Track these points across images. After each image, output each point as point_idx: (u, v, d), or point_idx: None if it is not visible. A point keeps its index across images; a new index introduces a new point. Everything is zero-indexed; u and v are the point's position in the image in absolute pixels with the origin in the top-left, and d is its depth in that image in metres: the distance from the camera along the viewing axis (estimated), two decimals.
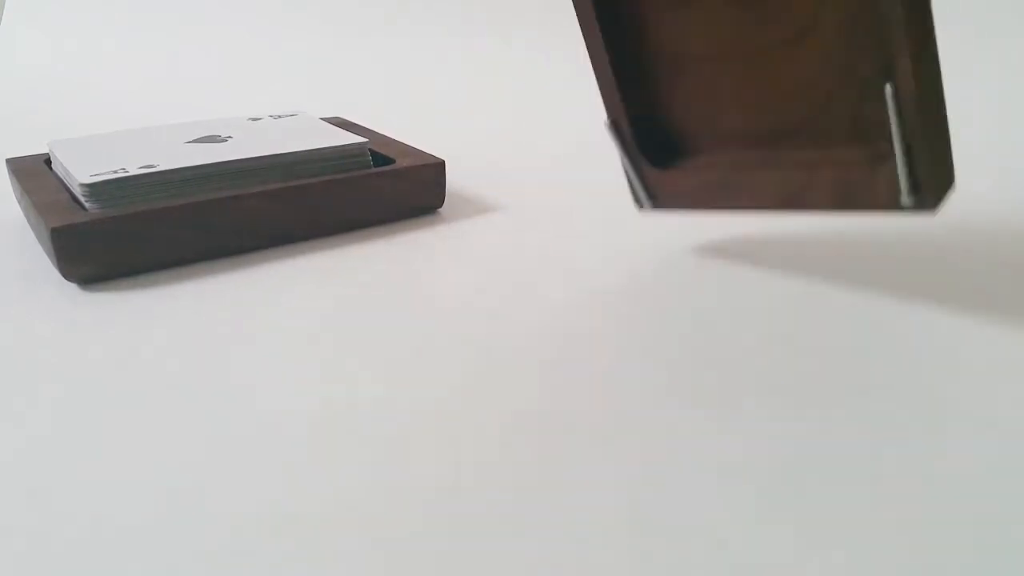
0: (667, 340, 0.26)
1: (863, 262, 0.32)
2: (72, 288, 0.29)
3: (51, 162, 0.35)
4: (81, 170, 0.31)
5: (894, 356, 0.25)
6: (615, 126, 0.32)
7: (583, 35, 0.31)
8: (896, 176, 0.26)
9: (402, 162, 0.36)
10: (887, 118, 0.25)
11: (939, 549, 0.17)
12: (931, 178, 0.25)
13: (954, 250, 0.33)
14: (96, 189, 0.30)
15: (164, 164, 0.32)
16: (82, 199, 0.30)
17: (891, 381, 0.24)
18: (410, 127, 0.44)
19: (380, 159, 0.37)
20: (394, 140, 0.39)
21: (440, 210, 0.37)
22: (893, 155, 0.26)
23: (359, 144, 0.36)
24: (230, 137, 0.36)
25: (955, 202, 0.38)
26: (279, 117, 0.40)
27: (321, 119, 0.42)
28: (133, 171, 0.31)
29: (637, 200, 0.33)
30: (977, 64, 0.51)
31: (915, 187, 0.25)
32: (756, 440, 0.21)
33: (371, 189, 0.35)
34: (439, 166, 0.36)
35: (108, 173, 0.31)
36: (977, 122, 0.49)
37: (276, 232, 0.33)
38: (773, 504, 0.18)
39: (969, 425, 0.22)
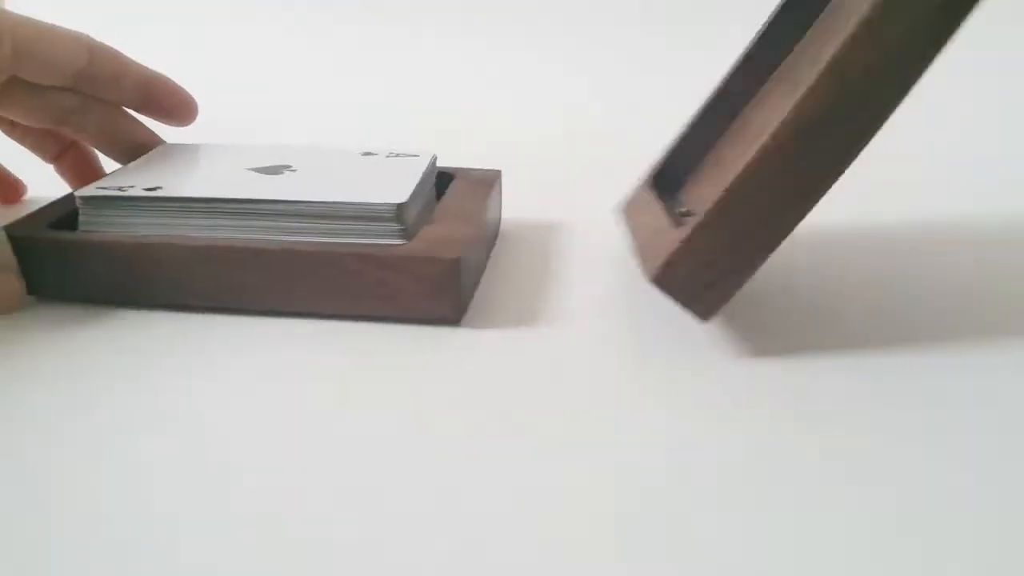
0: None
1: None
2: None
3: None
4: (108, 179, 0.30)
5: None
6: None
7: None
8: None
9: (408, 247, 0.27)
10: None
11: None
12: None
13: None
14: (87, 205, 0.28)
15: (169, 190, 0.29)
16: (80, 213, 0.29)
17: None
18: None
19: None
20: (475, 217, 0.30)
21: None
22: None
23: (381, 206, 0.28)
24: (292, 170, 0.31)
25: None
26: (395, 156, 0.34)
27: (460, 168, 0.35)
28: (136, 192, 0.29)
29: None
30: None
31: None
32: None
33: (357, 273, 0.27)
34: (453, 263, 0.26)
35: (112, 190, 0.29)
36: None
37: (242, 296, 0.28)
38: None
39: None
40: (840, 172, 0.23)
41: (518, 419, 0.22)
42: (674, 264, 0.25)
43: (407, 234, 0.28)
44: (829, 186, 0.24)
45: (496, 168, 0.36)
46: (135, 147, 0.37)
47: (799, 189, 0.23)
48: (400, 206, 0.28)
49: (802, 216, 0.24)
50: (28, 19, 0.32)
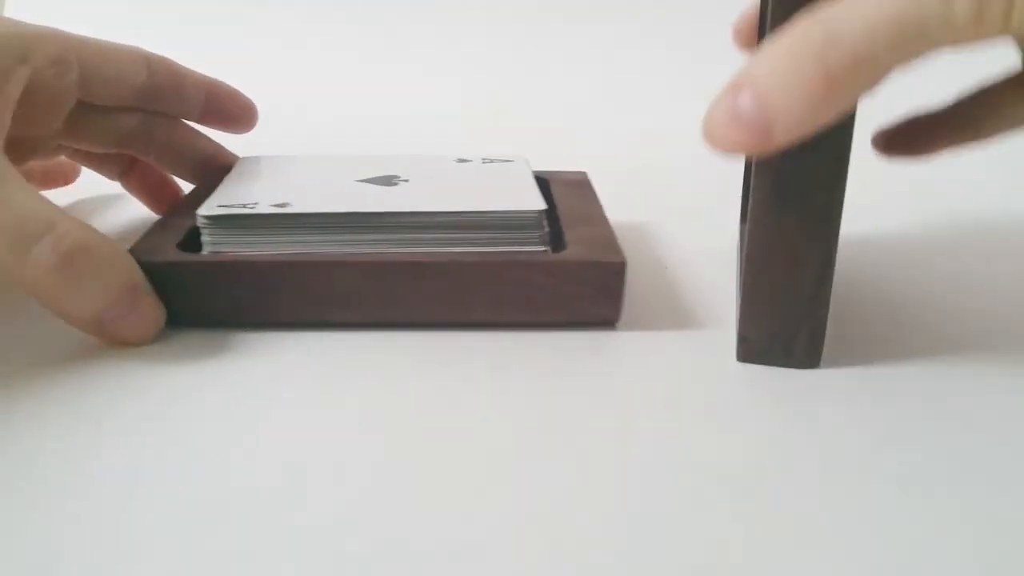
0: None
1: None
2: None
3: None
4: (220, 196, 0.29)
5: None
6: None
7: None
8: None
9: (571, 252, 0.27)
10: None
11: None
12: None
13: None
14: (213, 225, 0.27)
15: (298, 205, 0.28)
16: (202, 233, 0.27)
17: None
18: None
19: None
20: (602, 219, 0.30)
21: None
22: None
23: (526, 214, 0.28)
24: (405, 180, 0.31)
25: None
26: (489, 161, 0.34)
27: (548, 172, 0.35)
28: (264, 209, 0.27)
29: None
30: None
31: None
32: None
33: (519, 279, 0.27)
34: (620, 266, 0.27)
35: (237, 207, 0.28)
36: None
37: (400, 310, 0.27)
38: None
39: None
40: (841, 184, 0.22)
41: (732, 419, 0.22)
42: (748, 339, 0.25)
43: (545, 240, 0.28)
44: (840, 200, 0.22)
45: (581, 170, 0.36)
46: (203, 160, 0.35)
47: (805, 222, 0.23)
48: (542, 212, 0.28)
49: (830, 237, 0.23)
50: (86, 38, 0.31)
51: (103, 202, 0.39)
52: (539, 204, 0.28)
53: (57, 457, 0.20)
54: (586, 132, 0.55)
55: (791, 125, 0.19)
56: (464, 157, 0.34)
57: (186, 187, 0.37)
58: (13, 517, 0.18)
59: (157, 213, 0.37)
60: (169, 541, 0.17)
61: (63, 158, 0.37)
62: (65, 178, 0.39)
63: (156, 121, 0.34)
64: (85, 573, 0.16)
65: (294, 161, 0.34)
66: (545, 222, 0.28)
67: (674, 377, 0.24)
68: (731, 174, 0.34)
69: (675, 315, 0.28)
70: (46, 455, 0.20)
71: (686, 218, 0.38)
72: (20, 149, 0.26)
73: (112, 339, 0.25)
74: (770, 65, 0.19)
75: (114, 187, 0.38)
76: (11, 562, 0.17)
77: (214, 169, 0.35)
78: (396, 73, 0.66)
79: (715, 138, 0.19)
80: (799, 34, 0.19)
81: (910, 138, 0.28)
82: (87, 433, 0.21)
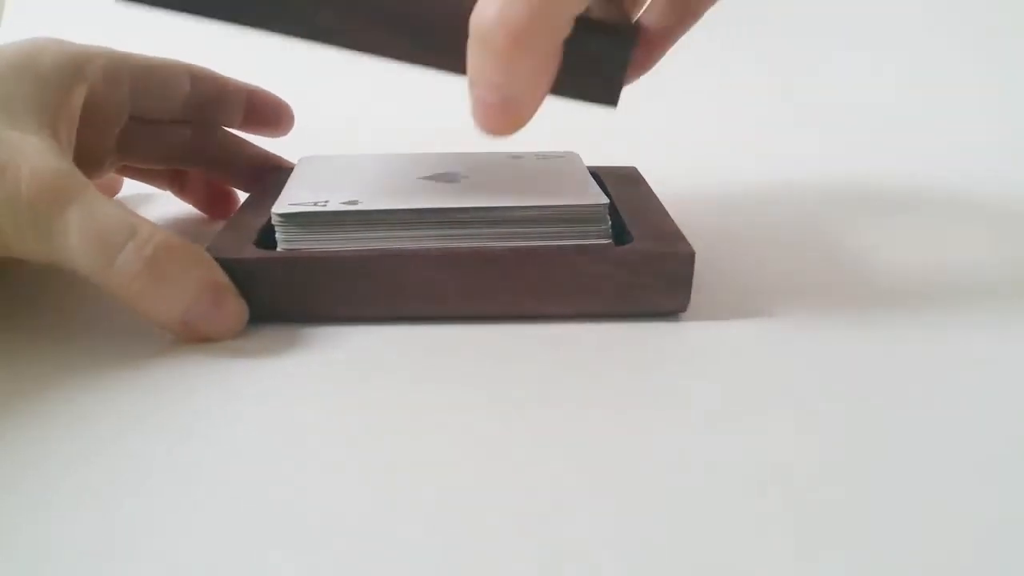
0: None
1: None
2: None
3: None
4: (290, 195, 0.29)
5: None
6: None
7: None
8: None
9: (640, 244, 0.28)
10: None
11: None
12: None
13: None
14: (288, 223, 0.28)
15: (367, 203, 0.28)
16: (276, 231, 0.28)
17: None
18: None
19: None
20: (662, 212, 0.31)
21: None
22: None
23: (591, 207, 0.28)
24: (465, 176, 0.31)
25: None
26: (544, 157, 0.35)
27: (598, 167, 0.35)
28: (334, 207, 0.28)
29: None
30: None
31: None
32: None
33: (583, 270, 0.27)
34: (690, 257, 0.27)
35: (308, 205, 0.28)
36: None
37: (473, 303, 0.28)
38: None
39: None
40: None
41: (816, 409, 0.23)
42: None
43: (608, 233, 0.29)
44: None
45: (630, 165, 0.37)
46: (254, 166, 0.36)
47: None
48: (605, 206, 0.28)
49: None
50: (130, 53, 0.31)
51: (138, 202, 0.40)
52: (602, 198, 0.29)
53: (132, 455, 0.21)
54: (584, 131, 0.55)
55: None
56: (517, 153, 0.35)
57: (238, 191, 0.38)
58: (101, 498, 0.19)
59: (206, 214, 0.38)
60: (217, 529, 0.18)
61: (111, 173, 0.38)
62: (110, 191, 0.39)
63: (204, 133, 0.35)
64: (144, 551, 0.17)
65: (353, 160, 0.34)
66: (608, 216, 0.29)
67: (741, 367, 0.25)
68: (732, 173, 0.34)
69: (738, 305, 0.29)
70: (101, 454, 0.21)
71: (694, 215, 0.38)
72: (82, 167, 0.27)
73: (196, 337, 0.26)
74: None
75: (143, 187, 0.38)
76: (107, 536, 0.18)
77: (265, 173, 0.36)
78: (391, 72, 0.66)
79: None
80: None
81: None
82: (166, 427, 0.22)
